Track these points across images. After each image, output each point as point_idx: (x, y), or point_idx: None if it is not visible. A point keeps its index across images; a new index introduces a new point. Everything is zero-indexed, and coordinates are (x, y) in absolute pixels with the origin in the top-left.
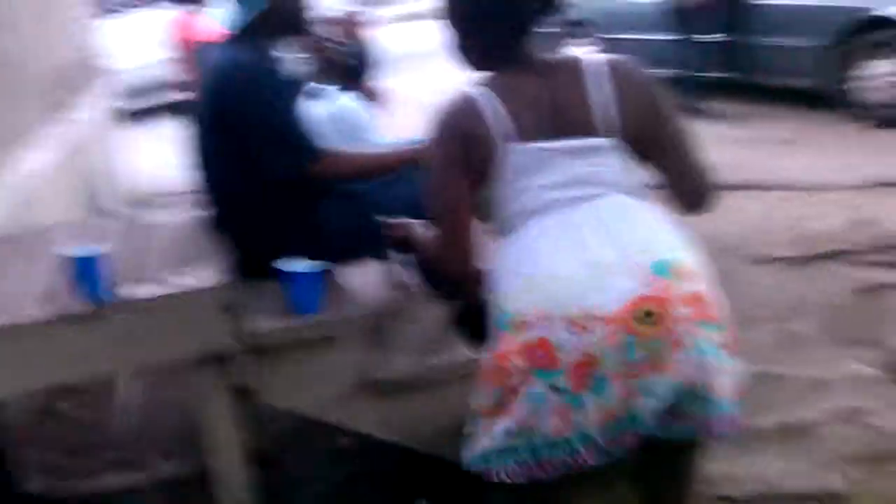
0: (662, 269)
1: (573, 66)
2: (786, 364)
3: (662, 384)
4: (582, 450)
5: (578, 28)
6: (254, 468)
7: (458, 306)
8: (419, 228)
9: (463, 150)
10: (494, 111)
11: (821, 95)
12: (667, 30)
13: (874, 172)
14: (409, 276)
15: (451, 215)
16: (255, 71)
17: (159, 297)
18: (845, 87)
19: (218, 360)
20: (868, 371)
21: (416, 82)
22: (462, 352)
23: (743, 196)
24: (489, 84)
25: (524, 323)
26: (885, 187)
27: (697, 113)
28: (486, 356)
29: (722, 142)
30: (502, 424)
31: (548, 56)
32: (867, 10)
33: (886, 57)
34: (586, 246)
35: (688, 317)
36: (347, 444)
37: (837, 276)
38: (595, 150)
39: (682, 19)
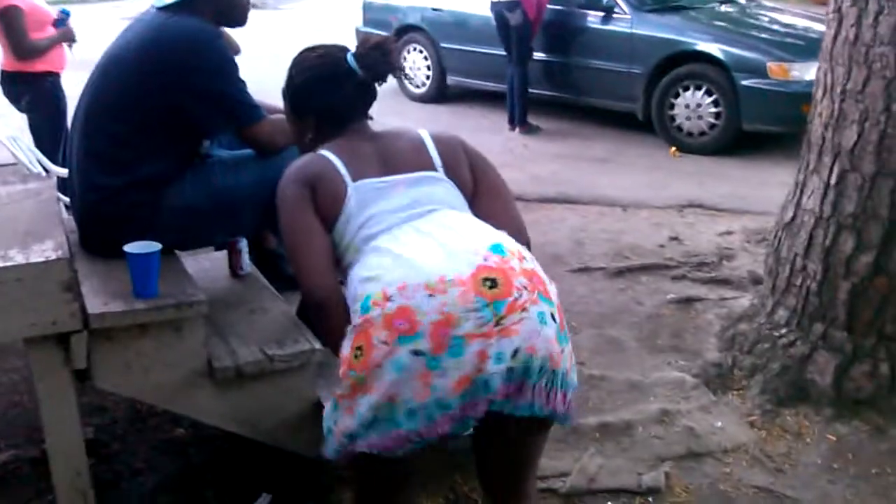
0: (500, 250)
1: (409, 131)
2: (604, 367)
3: (509, 347)
4: (438, 417)
5: (410, 33)
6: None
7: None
8: None
9: (312, 190)
10: (339, 161)
11: (637, 118)
12: (497, 45)
13: (682, 194)
14: (253, 266)
15: (305, 245)
16: (209, 34)
17: None
18: (660, 113)
19: (58, 339)
20: (682, 376)
21: None
22: (307, 342)
23: (563, 209)
24: (331, 149)
25: (384, 297)
26: (692, 208)
27: (524, 127)
28: (345, 344)
29: (542, 157)
30: (365, 401)
31: (382, 128)
32: (680, 43)
33: (694, 89)
34: (437, 238)
35: (525, 286)
36: (183, 434)
37: (651, 288)
38: (428, 179)
39: (507, 36)
